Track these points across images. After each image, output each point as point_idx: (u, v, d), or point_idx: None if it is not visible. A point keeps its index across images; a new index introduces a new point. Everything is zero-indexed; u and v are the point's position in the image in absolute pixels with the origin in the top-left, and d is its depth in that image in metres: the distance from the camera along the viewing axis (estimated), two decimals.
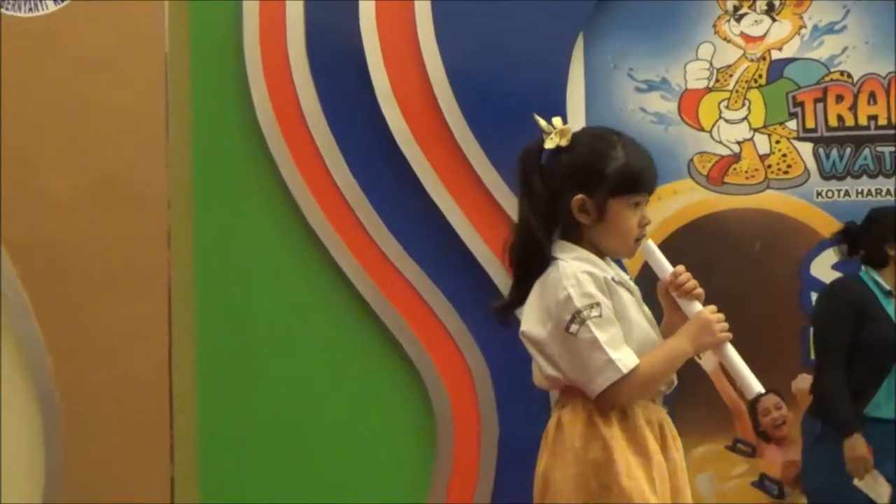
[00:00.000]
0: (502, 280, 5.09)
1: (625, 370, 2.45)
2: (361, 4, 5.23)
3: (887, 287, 4.77)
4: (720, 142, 5.25)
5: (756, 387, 2.66)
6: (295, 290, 5.44)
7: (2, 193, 5.16)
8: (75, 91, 5.05)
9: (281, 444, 5.35)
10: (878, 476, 4.79)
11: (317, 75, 5.27)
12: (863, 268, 4.92)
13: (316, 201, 5.24)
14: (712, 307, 2.67)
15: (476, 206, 5.15)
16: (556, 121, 2.63)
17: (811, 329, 5.08)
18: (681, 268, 2.67)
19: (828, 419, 4.82)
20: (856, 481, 4.75)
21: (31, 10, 5.08)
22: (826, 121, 5.25)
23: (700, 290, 2.66)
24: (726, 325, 2.65)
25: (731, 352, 2.65)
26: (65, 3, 5.09)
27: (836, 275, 5.18)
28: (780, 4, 5.31)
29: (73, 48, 5.06)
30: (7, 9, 5.14)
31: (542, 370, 2.58)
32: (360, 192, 5.16)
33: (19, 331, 5.12)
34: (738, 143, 5.29)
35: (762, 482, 5.25)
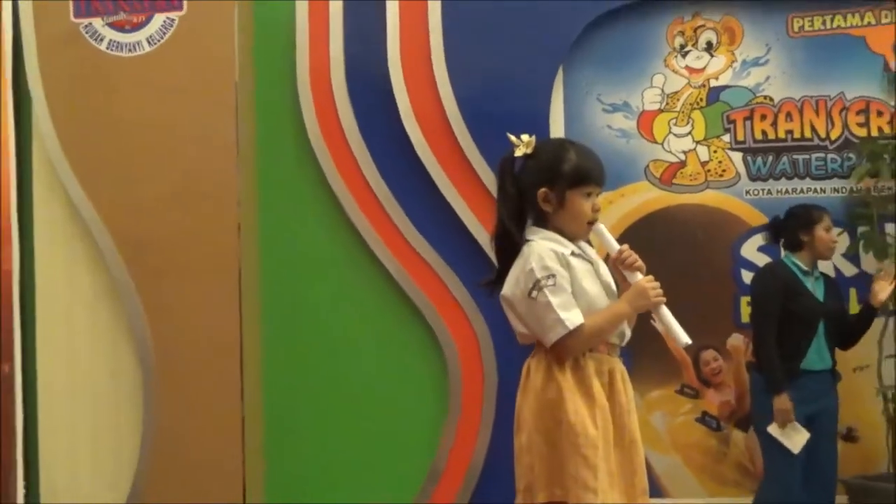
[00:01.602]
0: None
1: (571, 327, 2.81)
2: (389, 43, 5.61)
3: (805, 267, 5.24)
4: (670, 151, 5.67)
5: (684, 339, 2.98)
6: (340, 273, 5.79)
7: (108, 199, 5.52)
8: (165, 114, 5.46)
9: (333, 390, 5.69)
10: (797, 427, 5.24)
11: (353, 99, 5.63)
12: (783, 252, 5.41)
13: (354, 199, 5.60)
14: (649, 277, 2.99)
15: (479, 203, 5.47)
16: (524, 136, 2.99)
17: (749, 301, 5.44)
18: (625, 246, 3.01)
19: (765, 378, 5.37)
20: (771, 429, 5.21)
21: (130, 51, 5.48)
22: (753, 135, 5.71)
23: (640, 264, 2.99)
24: (660, 290, 2.96)
25: (665, 312, 2.96)
26: (156, 46, 5.51)
27: (762, 255, 5.64)
28: (717, 43, 5.75)
29: (162, 79, 5.47)
30: (112, 50, 5.50)
31: (515, 327, 3.00)
32: (388, 192, 5.54)
33: (126, 304, 5.52)
34: (684, 152, 5.70)
35: (703, 418, 5.65)
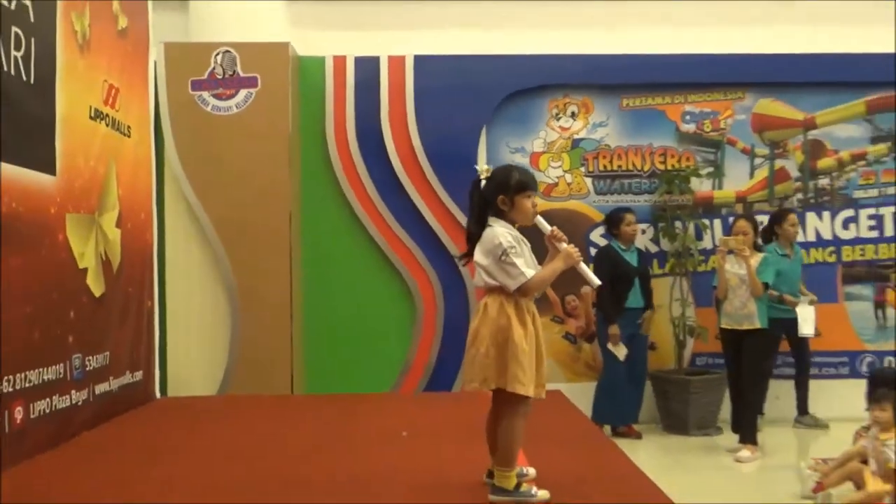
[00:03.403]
0: (449, 245, 6.71)
1: (529, 276, 3.26)
2: (381, 109, 6.83)
3: (623, 246, 6.57)
4: (549, 177, 7.00)
5: (595, 282, 3.51)
6: (352, 250, 6.89)
7: (211, 200, 6.41)
8: (246, 150, 6.42)
9: (348, 319, 6.83)
10: (621, 345, 6.45)
11: (360, 142, 6.86)
12: (605, 238, 6.74)
13: (361, 205, 6.83)
14: (573, 245, 3.42)
15: (437, 208, 6.78)
16: (485, 166, 3.49)
17: (593, 267, 6.33)
18: (555, 228, 3.44)
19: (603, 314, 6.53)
20: (609, 346, 6.49)
21: (225, 112, 6.49)
22: (598, 167, 7.06)
23: (565, 238, 3.43)
24: (579, 253, 3.40)
25: (582, 266, 3.42)
26: (242, 109, 6.48)
27: (602, 240, 6.89)
28: (578, 113, 7.07)
29: (245, 130, 6.43)
30: (214, 112, 6.47)
31: (484, 279, 3.36)
32: (381, 201, 6.80)
33: (221, 265, 6.50)
34: (557, 178, 7.04)
35: (566, 336, 6.95)
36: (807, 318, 6.55)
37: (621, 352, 6.45)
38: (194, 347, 6.64)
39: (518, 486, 3.39)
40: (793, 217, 6.72)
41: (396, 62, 6.93)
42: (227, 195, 6.54)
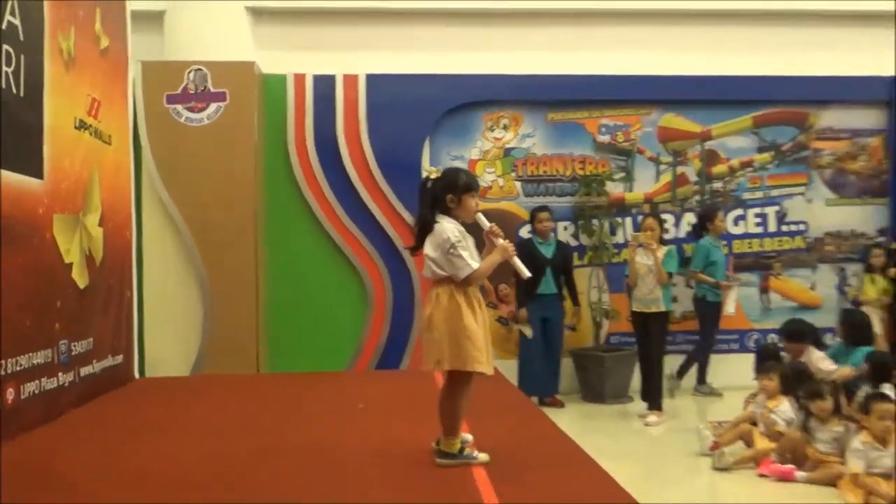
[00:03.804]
0: (396, 239, 6.63)
1: (475, 268, 3.25)
2: (337, 118, 6.75)
3: (540, 239, 6.56)
4: (484, 181, 6.96)
5: (526, 274, 3.48)
6: (310, 243, 6.82)
7: (183, 200, 6.33)
8: (216, 157, 6.34)
9: (308, 305, 6.74)
10: (528, 326, 6.45)
11: (318, 150, 6.77)
12: (530, 234, 6.73)
13: (318, 205, 6.75)
14: (507, 241, 3.40)
15: (386, 208, 6.73)
16: (432, 168, 3.46)
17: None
18: (493, 225, 3.42)
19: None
20: (517, 326, 6.53)
21: (198, 123, 6.39)
22: (526, 173, 7.08)
23: (502, 234, 3.42)
24: (513, 247, 3.38)
25: (515, 259, 3.40)
26: (212, 120, 6.37)
27: (528, 234, 6.83)
28: (509, 125, 7.07)
29: (215, 139, 6.35)
30: (187, 123, 6.35)
31: (433, 270, 3.32)
32: (337, 202, 6.74)
33: (193, 259, 6.40)
34: (491, 182, 7.05)
35: (499, 319, 6.94)
36: (731, 300, 6.77)
37: (528, 331, 6.46)
38: (169, 333, 6.54)
39: (461, 450, 3.42)
40: (721, 214, 6.90)
41: (350, 80, 6.88)
42: (198, 196, 6.47)
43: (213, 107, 6.50)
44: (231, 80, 6.47)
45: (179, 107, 6.50)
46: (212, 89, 6.45)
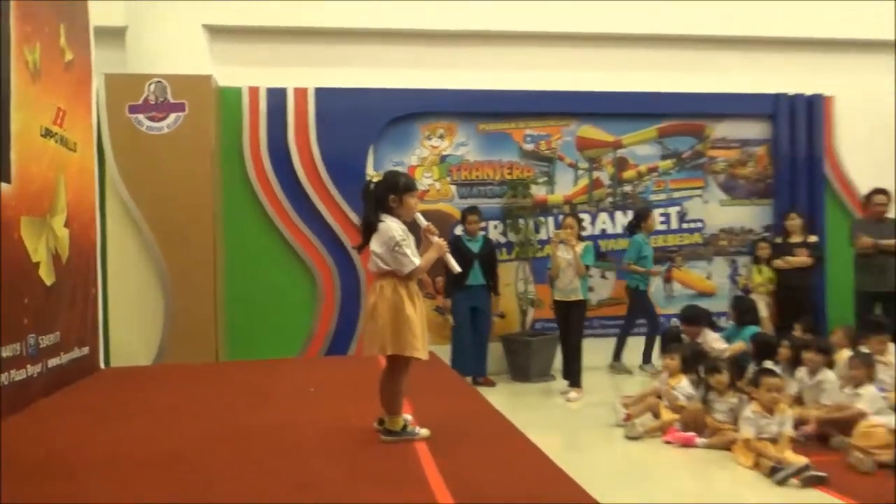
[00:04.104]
0: (343, 237, 6.55)
1: (417, 263, 3.27)
2: (288, 128, 6.66)
3: (469, 237, 6.51)
4: (422, 185, 6.92)
5: (457, 268, 3.49)
6: (265, 241, 6.72)
7: (143, 199, 6.16)
8: (175, 161, 6.19)
9: (262, 297, 6.64)
10: (451, 316, 6.39)
11: (271, 155, 6.68)
12: (460, 230, 6.65)
13: (272, 206, 6.68)
14: (441, 238, 3.42)
15: (333, 209, 6.66)
16: (374, 173, 4.04)
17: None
18: (430, 223, 3.42)
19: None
20: (448, 316, 6.51)
21: (158, 131, 6.22)
22: (460, 177, 7.09)
23: (437, 231, 3.44)
24: (446, 244, 3.42)
25: (448, 255, 3.42)
26: (172, 129, 6.23)
27: (460, 233, 6.71)
28: (445, 134, 7.04)
29: (174, 146, 6.21)
30: (148, 131, 6.19)
31: (379, 265, 3.30)
32: (289, 204, 6.66)
33: (154, 257, 6.25)
34: (429, 185, 6.99)
35: (437, 309, 6.86)
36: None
37: (451, 320, 6.46)
38: (132, 325, 6.38)
39: (405, 427, 3.43)
40: (654, 214, 7.02)
41: (301, 93, 6.79)
42: (159, 199, 6.33)
43: (172, 116, 6.35)
44: (189, 91, 6.32)
45: (141, 116, 6.33)
46: (171, 100, 6.30)
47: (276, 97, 6.75)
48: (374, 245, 3.30)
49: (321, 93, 6.81)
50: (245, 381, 5.19)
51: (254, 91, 6.74)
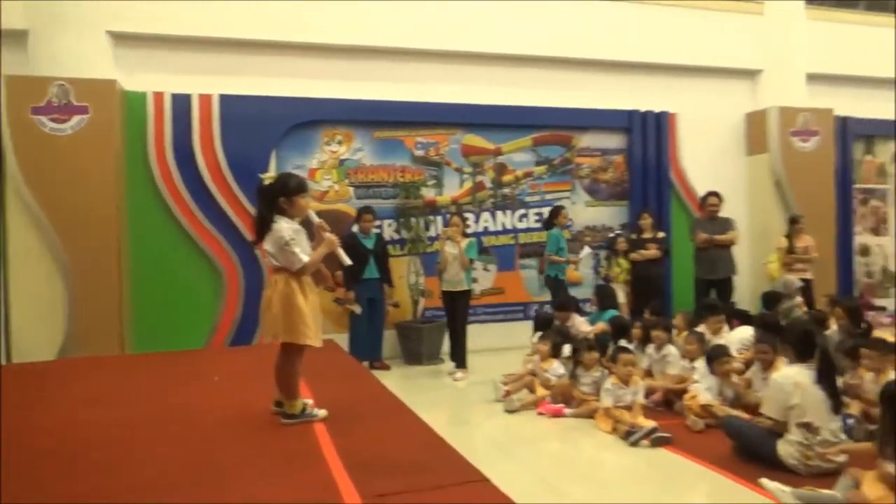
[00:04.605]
0: (247, 235, 6.22)
1: (305, 260, 3.27)
2: (193, 132, 6.36)
3: (363, 234, 6.40)
4: (322, 187, 6.82)
5: (347, 261, 3.53)
6: (171, 239, 6.39)
7: (47, 200, 5.79)
8: (79, 162, 5.86)
9: (169, 291, 6.35)
10: (356, 304, 6.33)
11: (177, 159, 6.36)
12: (356, 228, 6.49)
13: (177, 206, 6.37)
14: (333, 234, 3.47)
15: (236, 206, 6.44)
16: (267, 174, 3.46)
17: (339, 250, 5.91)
18: (322, 221, 3.48)
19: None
20: (347, 305, 6.38)
21: (61, 133, 5.83)
22: (358, 179, 6.98)
23: (328, 228, 3.49)
24: (338, 240, 3.46)
25: (339, 250, 3.46)
26: (76, 130, 5.82)
27: (355, 232, 6.53)
28: (343, 141, 6.93)
29: (77, 148, 5.86)
30: (51, 132, 5.79)
31: (272, 261, 3.34)
32: (195, 204, 6.37)
33: (56, 254, 5.86)
34: (328, 187, 6.87)
35: (336, 300, 6.67)
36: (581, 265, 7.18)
37: (357, 308, 6.39)
38: (36, 322, 5.94)
39: (303, 410, 3.39)
40: (564, 211, 7.03)
41: (205, 99, 6.51)
42: (62, 198, 5.96)
43: (75, 119, 5.98)
44: (92, 95, 5.97)
45: (44, 118, 5.92)
46: (74, 103, 5.93)
47: (181, 103, 6.44)
48: (267, 244, 3.28)
49: (226, 99, 6.54)
50: (152, 371, 4.98)
51: (158, 96, 6.40)
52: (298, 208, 3.35)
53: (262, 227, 3.30)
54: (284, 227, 3.27)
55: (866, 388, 4.00)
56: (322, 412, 3.43)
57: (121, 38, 6.42)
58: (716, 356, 4.47)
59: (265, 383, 3.77)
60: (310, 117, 6.87)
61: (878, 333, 5.41)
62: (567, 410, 4.70)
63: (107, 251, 6.06)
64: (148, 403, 3.94)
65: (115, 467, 2.82)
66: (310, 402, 3.54)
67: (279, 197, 3.30)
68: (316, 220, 3.44)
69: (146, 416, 3.61)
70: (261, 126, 6.60)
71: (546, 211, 7.65)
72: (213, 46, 6.68)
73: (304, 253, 3.28)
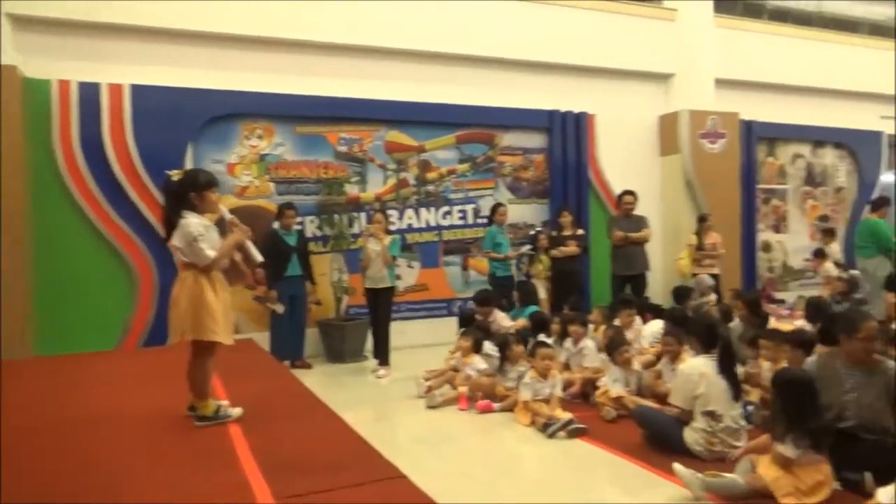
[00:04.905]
0: (162, 231, 5.14)
1: (212, 256, 3.27)
2: (103, 124, 6.09)
3: (284, 231, 6.20)
4: (242, 182, 6.69)
5: (259, 258, 3.48)
6: (79, 237, 6.12)
7: None
8: None
9: (79, 289, 6.06)
10: (279, 303, 6.15)
11: (85, 152, 6.08)
12: (277, 225, 6.28)
13: (86, 202, 6.10)
14: (242, 226, 3.45)
15: (149, 202, 6.18)
16: (175, 171, 3.36)
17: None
18: (233, 216, 3.50)
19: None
20: (268, 304, 6.20)
21: None
22: (279, 175, 6.84)
23: (238, 221, 3.49)
24: (249, 232, 3.44)
25: (249, 245, 3.43)
26: None
27: (276, 227, 6.38)
28: (263, 135, 6.77)
29: None
30: None
31: (181, 257, 3.32)
32: (105, 200, 6.12)
33: None
34: (248, 182, 6.73)
35: (256, 298, 6.50)
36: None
37: (279, 307, 6.26)
38: None
39: (217, 411, 3.31)
40: (503, 209, 7.02)
41: (116, 89, 6.21)
42: None
43: None
44: None
45: None
46: None
47: (89, 92, 6.12)
48: (176, 240, 3.24)
49: (138, 89, 6.27)
50: (62, 374, 4.80)
51: (64, 84, 6.07)
52: (209, 203, 3.32)
53: (171, 223, 3.26)
54: (193, 222, 3.24)
55: (764, 377, 4.21)
56: (237, 411, 3.35)
57: (22, 22, 6.08)
58: (614, 347, 4.60)
59: (179, 386, 3.64)
60: (228, 110, 6.67)
61: (776, 325, 5.75)
62: (495, 405, 4.72)
63: (9, 248, 5.72)
64: (53, 408, 3.77)
65: (15, 475, 2.66)
66: (224, 402, 3.45)
67: (189, 192, 3.26)
68: (228, 216, 3.40)
69: (50, 422, 3.45)
70: (176, 119, 6.36)
71: (469, 208, 7.73)
72: (125, 34, 6.40)
73: (211, 248, 3.24)
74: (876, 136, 10.43)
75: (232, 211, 3.76)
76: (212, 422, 3.27)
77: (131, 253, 6.28)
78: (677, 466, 3.09)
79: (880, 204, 7.03)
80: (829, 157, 10.25)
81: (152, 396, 3.96)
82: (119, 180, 6.22)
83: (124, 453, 2.96)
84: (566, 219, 7.31)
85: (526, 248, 7.32)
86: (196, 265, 3.20)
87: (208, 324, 3.18)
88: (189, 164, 6.40)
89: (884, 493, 2.56)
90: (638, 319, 5.84)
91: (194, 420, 3.29)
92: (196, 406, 3.31)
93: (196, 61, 6.63)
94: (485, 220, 7.44)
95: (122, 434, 3.24)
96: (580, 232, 7.38)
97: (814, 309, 5.58)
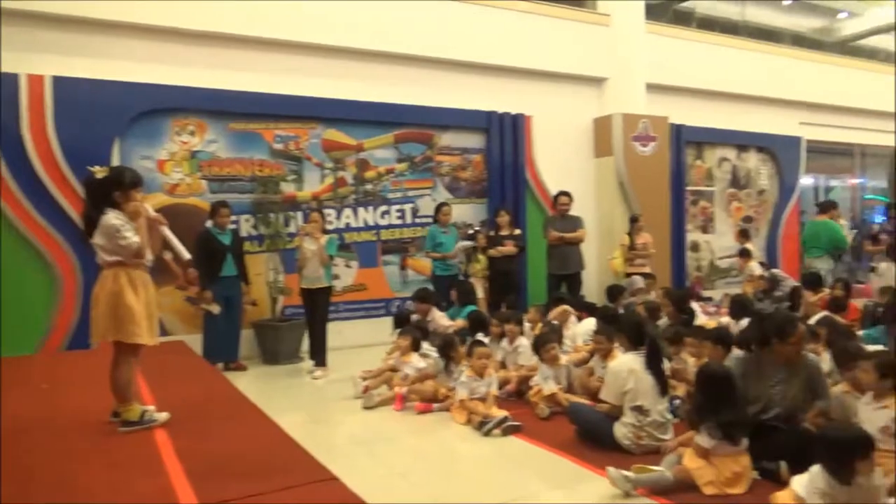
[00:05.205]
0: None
1: (136, 241, 3.23)
2: (21, 117, 5.82)
3: (219, 230, 6.07)
4: (172, 179, 6.48)
5: (186, 255, 3.50)
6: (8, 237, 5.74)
7: None
8: None
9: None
10: (214, 304, 5.98)
11: (2, 144, 5.80)
12: (211, 223, 6.11)
13: (3, 201, 5.81)
14: (160, 216, 3.36)
15: (76, 203, 5.85)
16: (99, 168, 3.29)
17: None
18: (158, 214, 3.42)
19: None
20: (203, 305, 6.00)
21: None
22: (212, 172, 6.65)
23: (164, 219, 3.46)
24: (166, 221, 3.38)
25: (174, 242, 3.39)
26: None
27: (210, 226, 6.22)
28: (195, 131, 6.58)
29: None
30: None
31: (103, 258, 3.28)
32: (25, 198, 5.87)
33: None
34: (179, 180, 6.51)
35: (187, 298, 6.39)
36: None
37: (215, 309, 6.10)
38: None
39: (142, 415, 3.20)
40: (446, 208, 7.01)
41: (36, 80, 5.92)
42: None
43: None
44: None
45: None
46: None
47: (7, 83, 5.82)
48: (98, 237, 3.20)
49: (60, 82, 5.99)
50: None
51: None
52: (133, 203, 3.26)
53: (93, 220, 3.22)
54: (111, 215, 3.20)
55: (689, 372, 4.36)
56: (163, 416, 3.25)
57: None
58: (541, 344, 4.67)
59: (102, 390, 3.51)
60: (158, 105, 6.46)
61: (702, 321, 5.97)
62: (435, 405, 4.71)
63: None
64: None
65: None
66: (151, 407, 3.34)
67: (114, 191, 3.21)
68: (152, 213, 3.35)
69: None
70: (102, 113, 6.13)
71: (408, 208, 7.73)
72: (48, 23, 6.11)
73: (134, 238, 3.21)
74: (795, 140, 10.94)
75: (162, 209, 3.68)
76: (137, 427, 3.16)
77: (53, 252, 6.03)
78: (610, 470, 3.14)
79: (828, 207, 7.37)
80: (752, 160, 10.69)
81: (73, 402, 3.82)
82: (39, 176, 5.95)
83: (43, 461, 2.83)
84: (504, 218, 7.36)
85: (469, 244, 7.34)
86: (123, 261, 3.14)
87: (128, 325, 3.12)
88: (116, 161, 6.18)
89: (797, 481, 2.68)
90: (573, 318, 5.95)
91: (118, 426, 3.16)
92: (120, 411, 3.19)
93: (124, 53, 6.39)
94: (423, 220, 7.45)
95: (42, 441, 3.11)
96: (517, 232, 7.44)
97: (737, 306, 5.84)
